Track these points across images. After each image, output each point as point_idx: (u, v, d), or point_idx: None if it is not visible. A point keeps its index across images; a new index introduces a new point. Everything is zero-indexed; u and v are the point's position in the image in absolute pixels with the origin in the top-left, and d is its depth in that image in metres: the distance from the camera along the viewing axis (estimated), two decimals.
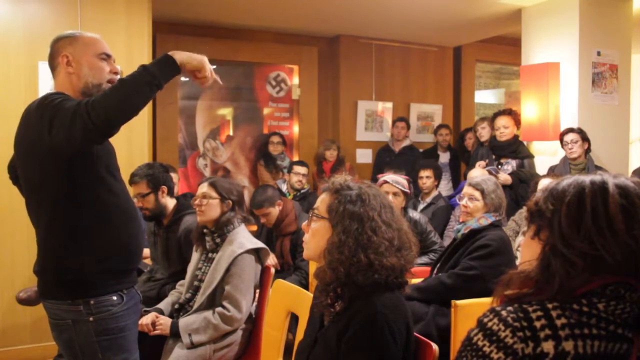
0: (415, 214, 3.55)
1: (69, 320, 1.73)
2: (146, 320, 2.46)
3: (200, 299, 2.48)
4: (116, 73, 1.84)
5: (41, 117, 1.63)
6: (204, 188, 2.57)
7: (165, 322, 2.44)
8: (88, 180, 1.71)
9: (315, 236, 1.50)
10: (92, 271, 1.72)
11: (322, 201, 1.53)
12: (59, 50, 1.79)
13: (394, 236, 1.46)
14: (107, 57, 1.84)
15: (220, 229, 2.54)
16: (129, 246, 1.83)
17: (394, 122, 5.81)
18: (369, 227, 1.43)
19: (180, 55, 1.71)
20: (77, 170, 1.68)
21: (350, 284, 1.40)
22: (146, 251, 3.38)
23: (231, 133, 5.75)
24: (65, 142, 1.58)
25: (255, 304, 2.58)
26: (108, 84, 1.80)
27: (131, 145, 3.77)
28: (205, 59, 1.77)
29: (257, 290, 2.58)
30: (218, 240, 2.55)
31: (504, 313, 0.95)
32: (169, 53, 1.71)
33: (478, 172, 4.03)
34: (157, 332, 2.43)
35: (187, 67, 1.73)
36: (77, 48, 1.79)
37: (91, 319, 1.72)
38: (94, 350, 1.73)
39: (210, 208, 2.53)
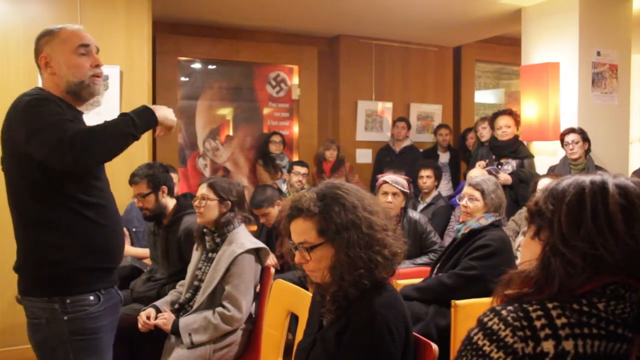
0: (415, 214, 3.55)
1: (43, 319, 1.71)
2: (142, 318, 2.46)
3: (200, 298, 2.48)
4: (98, 66, 1.79)
5: (23, 122, 1.65)
6: (202, 189, 2.58)
7: (168, 317, 2.44)
8: (67, 180, 1.70)
9: (322, 262, 1.43)
10: (70, 268, 1.70)
11: (306, 230, 1.43)
12: (39, 51, 1.77)
13: (384, 219, 1.46)
14: (85, 48, 1.77)
15: (220, 229, 2.54)
16: (108, 244, 1.80)
17: (394, 122, 5.81)
18: (366, 227, 1.41)
19: (160, 112, 1.83)
20: (56, 171, 1.67)
21: (367, 285, 1.39)
22: (146, 251, 3.38)
23: (231, 133, 5.75)
24: (42, 158, 1.64)
25: (254, 303, 2.58)
26: (93, 78, 1.77)
27: (131, 145, 3.76)
28: (175, 124, 1.91)
29: (257, 288, 2.58)
30: (218, 240, 2.55)
31: (504, 312, 0.95)
32: (151, 108, 1.82)
33: (477, 172, 4.03)
34: (159, 322, 2.43)
35: (163, 124, 1.87)
36: (54, 47, 1.74)
37: (66, 318, 1.69)
38: (66, 350, 1.70)
39: (209, 210, 2.54)
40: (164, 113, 1.86)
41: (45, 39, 1.76)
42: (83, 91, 1.78)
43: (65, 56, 1.74)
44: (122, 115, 1.75)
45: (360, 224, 1.40)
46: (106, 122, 1.72)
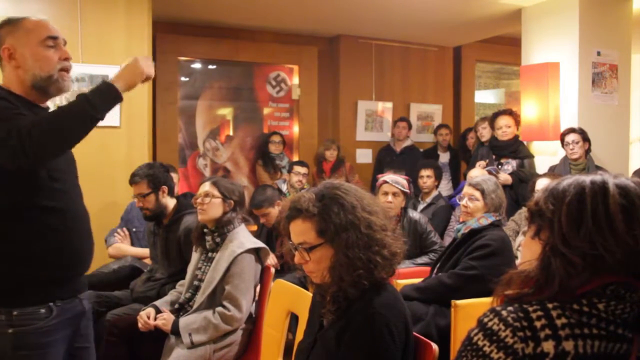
0: (415, 214, 3.55)
1: None
2: (143, 318, 2.46)
3: (200, 298, 2.48)
4: (67, 59, 1.67)
5: None
6: (206, 187, 2.57)
7: (168, 317, 2.44)
8: (17, 184, 1.56)
9: (322, 263, 1.43)
10: (17, 279, 1.58)
11: (305, 230, 1.43)
12: (0, 42, 1.63)
13: (383, 221, 1.45)
14: (53, 41, 1.65)
15: (220, 229, 2.54)
16: (67, 251, 1.65)
17: (395, 122, 5.81)
18: (364, 227, 1.40)
19: (121, 83, 1.63)
20: (5, 174, 1.54)
21: (367, 285, 1.39)
22: (146, 251, 3.38)
23: (231, 133, 5.75)
24: None
25: (254, 303, 2.58)
26: (62, 73, 1.65)
27: (131, 145, 3.77)
28: (142, 71, 1.68)
29: (258, 288, 2.58)
30: (218, 239, 2.55)
31: (504, 313, 0.95)
32: (112, 82, 1.62)
33: (478, 172, 4.03)
34: (159, 323, 2.43)
35: (132, 88, 1.68)
36: (18, 38, 1.61)
37: (10, 330, 1.56)
38: None
39: (213, 207, 2.53)
40: (129, 77, 1.66)
41: (7, 28, 1.63)
42: (51, 87, 1.65)
43: (31, 48, 1.61)
44: (79, 96, 1.57)
45: (359, 224, 1.40)
46: (58, 108, 1.56)
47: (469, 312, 2.30)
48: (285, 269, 3.53)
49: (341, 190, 1.45)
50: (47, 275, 1.62)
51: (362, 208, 1.43)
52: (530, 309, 0.94)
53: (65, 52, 1.68)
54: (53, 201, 1.62)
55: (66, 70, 1.67)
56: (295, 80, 5.90)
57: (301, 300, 2.14)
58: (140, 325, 2.47)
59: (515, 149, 4.35)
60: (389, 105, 6.12)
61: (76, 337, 1.74)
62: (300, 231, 1.44)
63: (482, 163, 4.40)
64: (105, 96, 1.59)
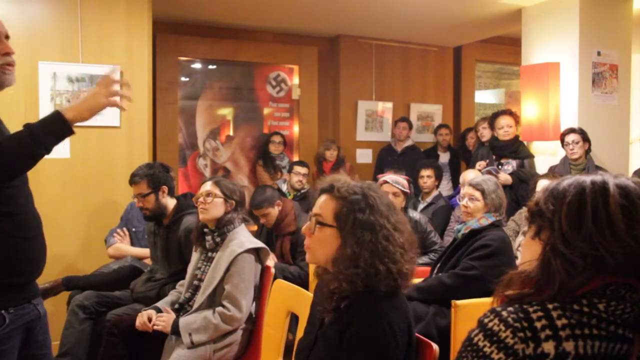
0: (415, 214, 3.55)
1: None
2: (143, 318, 2.46)
3: (200, 298, 2.48)
4: (8, 54, 1.60)
5: None
6: (207, 186, 2.57)
7: (168, 318, 2.44)
8: None
9: (322, 243, 1.45)
10: None
11: (326, 206, 1.47)
12: None
13: (405, 240, 1.46)
14: None
15: (220, 229, 2.54)
16: (17, 258, 1.58)
17: (396, 122, 5.80)
18: (382, 236, 1.41)
19: (71, 113, 1.54)
20: None
21: (366, 292, 1.38)
22: (146, 251, 3.38)
23: (231, 133, 5.75)
24: None
25: (254, 303, 2.58)
26: (5, 67, 1.59)
27: (131, 145, 3.77)
28: (101, 99, 1.59)
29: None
30: (218, 239, 2.55)
31: (504, 313, 0.95)
32: (61, 111, 1.54)
33: (473, 175, 4.02)
34: (158, 327, 2.43)
35: (84, 119, 1.58)
36: None
37: None
38: None
39: (215, 206, 2.53)
40: (81, 109, 1.57)
41: None
42: None
43: None
44: (24, 129, 1.51)
45: (379, 231, 1.42)
46: (2, 141, 1.50)
47: (469, 312, 2.30)
48: None
49: (379, 195, 1.48)
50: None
51: (388, 220, 1.45)
52: (531, 309, 0.94)
53: (6, 47, 1.59)
54: (3, 206, 1.54)
55: (10, 64, 1.60)
56: (296, 80, 5.90)
57: (301, 300, 2.14)
58: (137, 323, 2.47)
59: (516, 149, 4.35)
60: (389, 105, 6.12)
61: (31, 343, 1.67)
62: (323, 205, 1.48)
63: (482, 163, 4.40)
64: (51, 130, 1.52)
